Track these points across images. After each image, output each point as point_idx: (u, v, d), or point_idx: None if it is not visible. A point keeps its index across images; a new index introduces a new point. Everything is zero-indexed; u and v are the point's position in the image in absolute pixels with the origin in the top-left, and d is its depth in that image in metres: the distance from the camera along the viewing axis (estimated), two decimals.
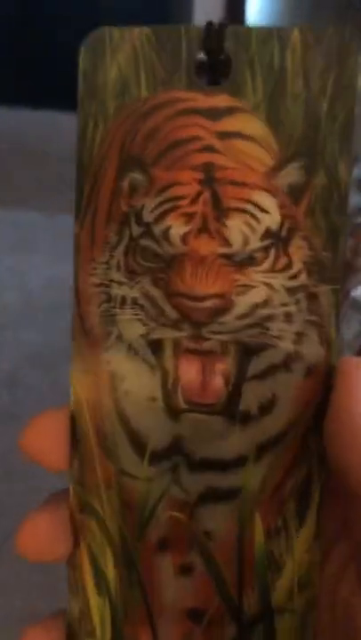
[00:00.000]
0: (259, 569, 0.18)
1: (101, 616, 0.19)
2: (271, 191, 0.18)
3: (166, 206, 0.18)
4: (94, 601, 0.19)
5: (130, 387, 0.19)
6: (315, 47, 0.17)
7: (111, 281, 0.18)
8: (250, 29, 0.17)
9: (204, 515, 0.19)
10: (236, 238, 0.18)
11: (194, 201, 0.18)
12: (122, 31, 0.18)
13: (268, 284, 0.18)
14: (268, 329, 0.18)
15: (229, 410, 0.18)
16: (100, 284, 0.19)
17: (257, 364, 0.18)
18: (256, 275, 0.18)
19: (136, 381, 0.19)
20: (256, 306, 0.18)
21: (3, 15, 1.46)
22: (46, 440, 0.20)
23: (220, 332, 0.18)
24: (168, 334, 0.18)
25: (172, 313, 0.18)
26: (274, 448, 0.18)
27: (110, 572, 0.19)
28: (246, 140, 0.18)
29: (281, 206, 0.18)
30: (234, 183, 0.18)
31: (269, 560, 0.18)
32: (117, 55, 0.18)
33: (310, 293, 0.18)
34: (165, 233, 0.18)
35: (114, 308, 0.18)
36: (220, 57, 0.18)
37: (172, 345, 0.18)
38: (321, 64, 0.17)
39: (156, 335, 0.18)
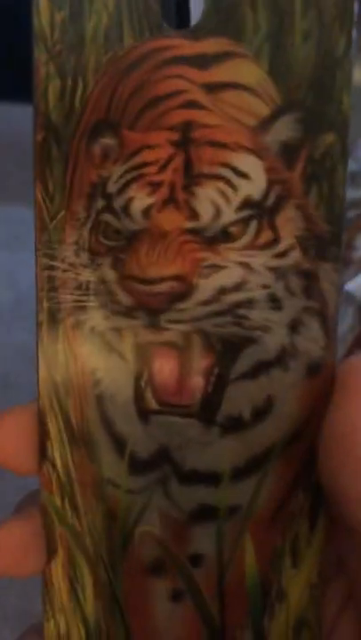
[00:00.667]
0: (251, 601, 0.16)
1: (73, 633, 0.17)
2: (257, 152, 0.15)
3: (130, 175, 0.15)
4: (75, 626, 0.17)
5: (108, 386, 0.16)
6: None
7: (79, 264, 0.16)
8: None
9: (196, 536, 0.16)
10: (205, 210, 0.15)
11: (163, 167, 0.15)
12: None
13: (243, 264, 0.15)
14: (243, 317, 0.15)
15: (208, 413, 0.16)
16: (70, 268, 0.16)
17: (243, 361, 0.16)
18: (230, 253, 0.15)
19: (113, 379, 0.16)
20: (223, 290, 0.15)
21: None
22: (11, 440, 0.18)
23: (178, 321, 0.15)
24: (123, 324, 0.16)
25: (124, 299, 0.16)
26: (272, 460, 0.16)
27: (89, 595, 0.17)
28: (238, 89, 0.15)
29: (268, 170, 0.15)
30: (212, 144, 0.15)
31: (264, 593, 0.16)
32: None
33: (307, 274, 0.15)
34: (126, 206, 0.15)
35: (84, 295, 0.16)
36: None
37: (134, 337, 0.16)
38: None
39: (112, 325, 0.16)
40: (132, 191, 0.15)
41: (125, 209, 0.15)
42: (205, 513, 0.16)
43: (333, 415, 0.14)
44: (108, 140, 0.16)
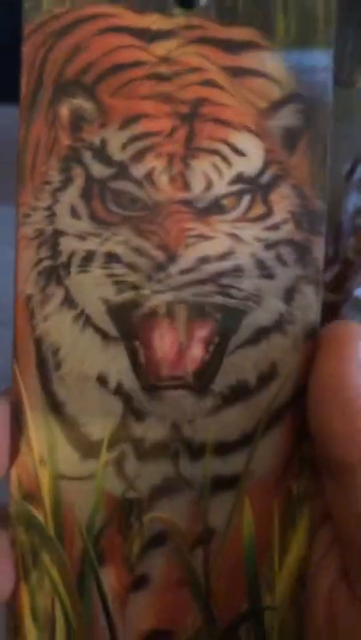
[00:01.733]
0: (249, 571, 0.17)
1: None
2: (260, 133, 0.16)
3: (132, 143, 0.16)
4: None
5: (73, 364, 0.16)
6: None
7: (59, 231, 0.16)
8: None
9: (210, 509, 0.16)
10: (197, 182, 0.16)
11: (166, 138, 0.16)
12: None
13: (233, 235, 0.16)
14: (228, 286, 0.16)
15: (204, 382, 0.16)
16: (37, 235, 0.16)
17: (244, 329, 0.16)
18: (219, 224, 0.16)
19: (82, 357, 0.16)
20: (206, 259, 0.16)
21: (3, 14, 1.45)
22: None
23: (161, 291, 0.16)
24: (112, 296, 0.16)
25: (116, 270, 0.16)
26: (276, 423, 0.17)
27: (65, 604, 0.16)
28: (260, 77, 0.16)
29: (268, 150, 0.16)
30: (217, 121, 0.16)
31: (262, 558, 0.17)
32: None
33: (300, 246, 0.16)
34: (122, 174, 0.16)
35: (64, 265, 0.16)
36: None
37: (123, 308, 0.16)
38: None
39: (105, 298, 0.16)
40: (129, 159, 0.16)
41: (121, 176, 0.16)
42: (215, 484, 0.17)
43: (319, 365, 0.16)
44: (80, 102, 0.16)
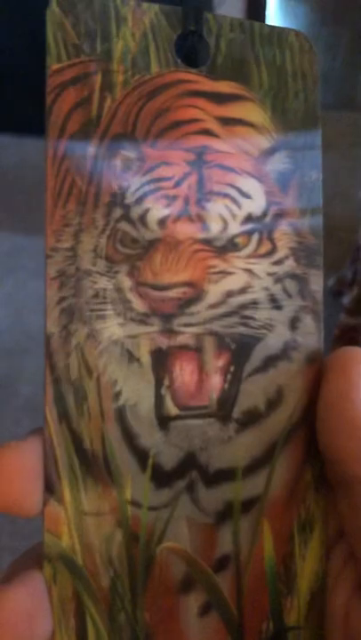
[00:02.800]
0: (271, 590, 0.17)
1: None
2: (258, 177, 0.17)
3: (148, 187, 0.16)
4: None
5: (128, 397, 0.16)
6: (308, 51, 0.18)
7: (82, 271, 0.16)
8: (254, 25, 0.18)
9: (223, 536, 0.17)
10: (215, 222, 0.17)
11: (179, 183, 0.17)
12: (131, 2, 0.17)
13: (248, 270, 0.17)
14: (249, 317, 0.17)
15: (226, 411, 0.16)
16: (60, 275, 0.16)
17: (255, 357, 0.17)
18: (237, 260, 0.17)
19: (134, 391, 0.16)
20: (231, 293, 0.17)
21: (25, 43, 1.50)
22: (16, 481, 0.15)
23: (191, 324, 0.16)
24: (137, 330, 0.16)
25: (138, 305, 0.16)
26: (285, 445, 0.17)
27: (99, 624, 0.16)
28: (247, 126, 0.17)
29: (267, 192, 0.17)
30: (222, 167, 0.17)
31: (281, 577, 0.17)
32: (127, 24, 0.17)
33: (300, 279, 0.17)
34: (143, 216, 0.16)
35: (88, 303, 0.16)
36: (200, 40, 0.17)
37: (149, 343, 0.16)
38: (308, 64, 0.18)
39: (129, 333, 0.16)
40: (150, 202, 0.16)
41: (142, 219, 0.16)
42: (231, 510, 0.17)
43: (326, 387, 0.16)
44: (129, 153, 0.17)
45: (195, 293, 0.16)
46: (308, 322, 0.17)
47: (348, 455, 0.16)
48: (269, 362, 0.17)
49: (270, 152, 0.17)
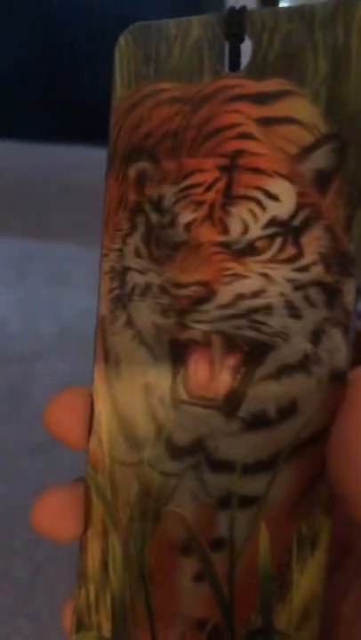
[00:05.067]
0: (263, 588, 0.17)
1: (105, 610, 0.19)
2: (292, 178, 0.17)
3: (181, 195, 0.18)
4: (96, 592, 0.19)
5: (129, 373, 0.19)
6: None
7: (129, 267, 0.18)
8: (314, 8, 0.17)
9: (221, 521, 0.18)
10: (235, 226, 0.17)
11: (208, 189, 0.17)
12: (159, 25, 0.18)
13: (264, 275, 0.17)
14: (260, 322, 0.17)
15: (231, 408, 0.17)
16: (112, 270, 0.19)
17: (268, 363, 0.17)
18: (254, 264, 0.17)
19: (135, 368, 0.18)
20: (241, 296, 0.17)
21: (34, 52, 1.51)
22: (67, 417, 0.19)
23: (200, 321, 0.17)
24: (160, 321, 0.18)
25: (162, 300, 0.18)
26: (295, 457, 0.17)
27: (117, 564, 0.19)
28: (292, 123, 0.17)
29: (300, 194, 0.17)
30: (252, 170, 0.17)
31: (276, 580, 0.17)
32: (156, 48, 0.18)
33: (330, 288, 0.16)
34: (172, 221, 0.18)
35: (126, 294, 0.18)
36: (240, 41, 0.17)
37: (168, 335, 0.18)
38: None
39: (151, 322, 0.18)
40: (179, 208, 0.18)
41: (172, 224, 0.18)
42: (231, 500, 0.18)
43: (340, 420, 0.15)
44: (145, 164, 0.18)
45: (206, 293, 0.17)
46: (335, 336, 0.16)
47: (352, 499, 0.15)
48: (284, 371, 0.17)
49: (311, 149, 0.17)
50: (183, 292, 0.17)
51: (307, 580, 0.17)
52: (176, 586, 0.18)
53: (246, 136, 0.17)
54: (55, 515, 0.19)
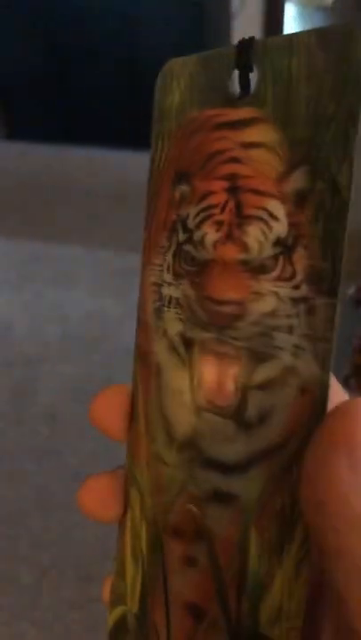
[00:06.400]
0: (251, 584, 0.18)
1: (133, 586, 0.20)
2: (281, 198, 0.17)
3: (203, 214, 0.19)
4: (130, 571, 0.21)
5: (167, 378, 0.20)
6: (318, 47, 0.17)
7: (163, 281, 0.20)
8: (268, 40, 0.18)
9: (210, 513, 0.19)
10: (253, 245, 0.18)
11: (223, 209, 0.18)
12: (184, 60, 0.20)
13: (275, 293, 0.17)
14: (274, 339, 0.18)
15: (238, 415, 0.18)
16: (155, 284, 0.20)
17: (261, 374, 0.18)
18: (266, 283, 0.17)
19: (171, 374, 0.20)
20: (265, 315, 0.18)
21: (38, 53, 1.51)
22: (110, 411, 0.21)
23: (235, 338, 0.18)
24: (198, 335, 0.19)
25: (201, 314, 0.18)
26: (269, 459, 0.18)
27: (144, 546, 0.20)
28: (262, 148, 0.18)
29: (288, 214, 0.17)
30: (253, 191, 0.18)
31: (261, 577, 0.18)
32: (179, 81, 0.20)
33: (309, 305, 0.17)
34: (202, 239, 0.18)
35: (163, 305, 0.19)
36: (249, 71, 0.18)
37: (199, 345, 0.19)
38: (324, 63, 0.17)
39: (189, 334, 0.19)
40: (206, 227, 0.19)
41: (201, 241, 0.19)
42: (219, 496, 0.19)
43: (313, 441, 0.16)
44: (184, 187, 0.20)
45: (240, 311, 0.18)
46: (308, 351, 0.17)
47: (314, 523, 0.15)
48: (271, 381, 0.18)
49: (286, 174, 0.17)
50: (221, 308, 0.18)
51: (282, 579, 0.18)
52: (173, 569, 0.19)
53: (235, 160, 0.18)
54: (99, 497, 0.21)
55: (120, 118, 1.45)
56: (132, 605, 0.21)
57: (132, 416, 0.21)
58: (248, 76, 0.18)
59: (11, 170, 1.43)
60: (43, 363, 0.99)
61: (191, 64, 0.20)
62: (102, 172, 1.58)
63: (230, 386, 0.18)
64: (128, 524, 0.21)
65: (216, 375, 0.19)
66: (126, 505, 0.21)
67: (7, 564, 0.69)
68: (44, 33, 1.39)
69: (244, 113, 0.18)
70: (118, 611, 0.21)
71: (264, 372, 0.18)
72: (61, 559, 0.69)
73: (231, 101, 0.19)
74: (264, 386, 0.18)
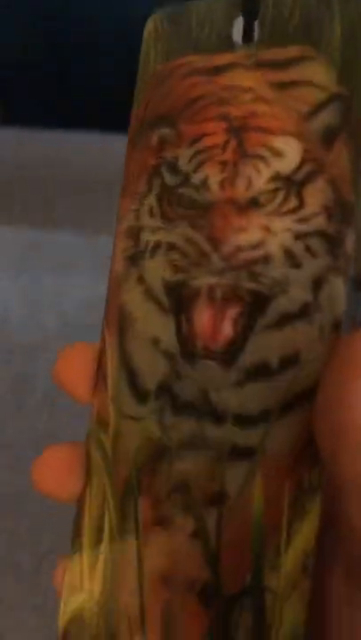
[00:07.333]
0: (255, 544, 0.17)
1: (97, 572, 0.19)
2: (299, 135, 0.18)
3: (202, 156, 0.19)
4: (89, 551, 0.19)
5: (139, 327, 0.19)
6: None
7: (145, 226, 0.19)
8: None
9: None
10: (240, 183, 0.18)
11: (224, 149, 0.18)
12: (186, 4, 0.20)
13: (265, 227, 0.17)
14: (258, 273, 0.17)
15: (231, 357, 0.18)
16: (129, 229, 0.19)
17: (266, 312, 0.17)
18: (255, 218, 0.18)
19: (146, 323, 0.19)
20: (242, 248, 0.18)
21: (37, 38, 1.50)
22: (75, 371, 0.20)
23: (208, 274, 0.18)
24: (201, 278, 0.18)
25: (214, 258, 0.18)
26: (294, 408, 0.17)
27: (112, 516, 0.19)
28: (304, 86, 0.18)
29: (306, 150, 0.18)
30: (259, 129, 0.18)
31: (268, 537, 0.17)
32: (180, 27, 0.20)
33: (331, 237, 0.17)
34: (205, 181, 0.18)
35: (142, 252, 0.19)
36: (255, 17, 0.18)
37: (198, 288, 0.18)
38: None
39: (184, 278, 0.18)
40: (207, 169, 0.19)
41: (204, 183, 0.19)
42: (229, 452, 0.18)
43: (325, 376, 0.16)
44: (165, 130, 0.19)
45: (212, 247, 0.18)
46: (336, 284, 0.17)
47: (332, 454, 0.15)
48: (285, 320, 0.17)
49: (320, 107, 0.18)
50: (192, 247, 0.18)
51: (300, 536, 0.17)
52: (169, 545, 0.18)
53: (259, 99, 0.18)
54: (55, 472, 0.20)
55: (120, 105, 1.46)
56: (95, 594, 0.19)
57: (99, 376, 0.20)
58: (253, 22, 0.19)
59: (6, 156, 1.42)
60: (40, 350, 0.99)
61: (194, 9, 0.19)
62: (102, 157, 1.58)
63: (225, 329, 0.18)
64: (89, 500, 0.19)
65: (214, 319, 0.18)
66: (87, 480, 0.20)
67: (6, 551, 0.70)
68: (42, 25, 1.38)
69: (283, 52, 0.18)
70: (74, 602, 0.19)
71: (273, 311, 0.18)
72: (60, 544, 0.69)
73: (230, 46, 0.19)
74: (276, 325, 0.18)
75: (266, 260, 0.18)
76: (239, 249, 0.18)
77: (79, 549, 0.20)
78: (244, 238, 0.18)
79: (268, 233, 0.18)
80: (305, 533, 0.17)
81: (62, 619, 0.20)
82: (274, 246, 0.17)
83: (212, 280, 0.18)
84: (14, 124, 1.47)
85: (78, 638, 0.19)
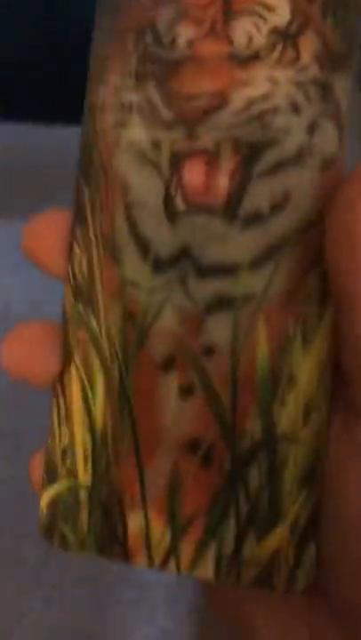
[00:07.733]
0: (261, 387, 0.18)
1: (85, 452, 0.18)
2: None
3: (177, 15, 0.18)
4: (80, 435, 0.18)
5: (137, 193, 0.18)
6: None
7: (124, 86, 0.18)
8: None
9: (210, 327, 0.18)
10: (240, 37, 0.18)
11: (206, 7, 0.18)
12: None
13: (270, 78, 0.18)
14: (270, 123, 0.18)
15: (232, 209, 0.18)
16: (115, 88, 0.19)
17: (264, 161, 0.18)
18: (260, 70, 0.18)
19: (143, 187, 0.18)
20: (253, 100, 0.18)
21: (29, 32, 1.48)
22: (47, 240, 0.18)
23: (214, 130, 0.18)
24: (163, 136, 0.18)
25: (166, 114, 0.18)
26: (287, 249, 0.18)
27: (100, 399, 0.18)
28: None
29: (292, 3, 0.18)
30: None
31: (274, 378, 0.17)
32: None
33: (324, 84, 0.18)
34: (173, 39, 0.18)
35: (125, 114, 0.18)
36: None
37: (170, 147, 0.18)
38: None
39: (152, 137, 0.18)
40: (179, 27, 0.18)
41: (172, 42, 0.18)
42: (222, 303, 0.18)
43: (340, 193, 0.16)
44: None
45: (219, 101, 0.18)
46: (327, 127, 0.18)
47: (350, 268, 0.15)
48: (280, 166, 0.18)
49: None
50: (194, 102, 0.18)
51: (307, 371, 0.18)
52: (164, 407, 0.18)
53: None
54: (29, 347, 0.18)
55: None
56: (80, 476, 0.18)
57: (71, 245, 0.19)
58: None
59: (8, 150, 1.41)
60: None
61: None
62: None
63: (219, 181, 0.18)
64: (72, 380, 0.18)
65: (198, 173, 0.18)
66: (68, 357, 0.18)
67: (12, 543, 0.71)
68: (42, 24, 1.36)
69: None
70: (61, 488, 0.18)
71: (270, 158, 0.18)
72: None
73: None
74: (272, 172, 0.18)
75: (275, 109, 0.18)
76: (251, 101, 0.18)
77: (58, 431, 0.18)
78: (255, 90, 0.18)
79: (274, 84, 0.18)
80: (312, 365, 0.18)
81: (43, 502, 0.18)
82: (280, 96, 0.18)
83: (224, 134, 0.18)
84: (16, 119, 1.46)
85: (65, 518, 0.18)
